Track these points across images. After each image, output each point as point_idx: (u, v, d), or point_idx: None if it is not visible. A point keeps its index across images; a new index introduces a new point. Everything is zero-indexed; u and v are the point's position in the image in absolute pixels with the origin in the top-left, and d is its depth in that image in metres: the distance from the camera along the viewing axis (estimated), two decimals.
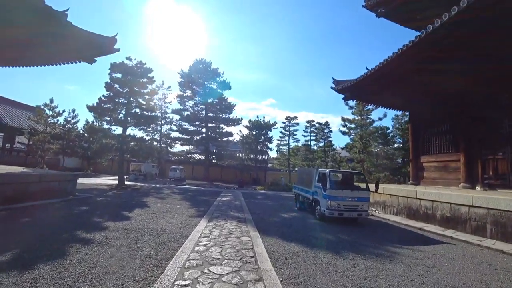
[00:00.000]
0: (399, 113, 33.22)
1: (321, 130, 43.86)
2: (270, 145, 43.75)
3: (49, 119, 34.37)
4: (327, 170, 11.52)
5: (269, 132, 42.24)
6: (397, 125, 35.45)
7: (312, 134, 45.18)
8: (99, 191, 17.83)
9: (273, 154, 52.89)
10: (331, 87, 18.29)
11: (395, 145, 34.67)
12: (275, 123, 42.39)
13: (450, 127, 15.68)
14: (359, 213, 11.02)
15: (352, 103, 31.62)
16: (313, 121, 45.03)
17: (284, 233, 8.33)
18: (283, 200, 19.70)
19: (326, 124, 43.82)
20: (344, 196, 10.84)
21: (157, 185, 26.97)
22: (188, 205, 13.68)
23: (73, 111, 36.73)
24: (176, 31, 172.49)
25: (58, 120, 35.70)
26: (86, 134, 34.52)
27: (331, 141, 43.86)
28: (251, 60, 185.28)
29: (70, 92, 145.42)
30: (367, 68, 14.61)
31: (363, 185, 11.83)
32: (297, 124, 46.29)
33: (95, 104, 22.51)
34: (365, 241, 8.06)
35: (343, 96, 18.95)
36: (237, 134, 42.43)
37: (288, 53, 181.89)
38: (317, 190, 11.91)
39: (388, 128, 33.56)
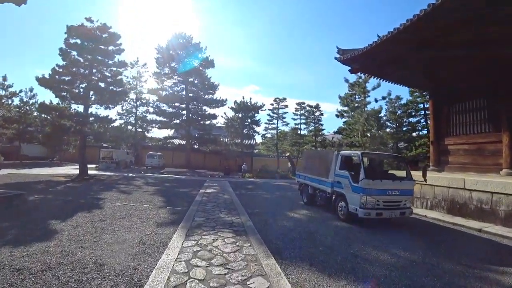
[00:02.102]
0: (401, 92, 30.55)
1: (312, 113, 40.82)
2: (257, 129, 40.36)
3: (3, 100, 29.53)
4: (358, 153, 8.34)
5: (256, 114, 38.74)
6: (390, 109, 32.88)
7: (302, 117, 42.07)
8: (47, 184, 13.94)
9: (258, 139, 49.69)
10: (335, 58, 15.01)
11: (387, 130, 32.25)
12: (263, 105, 38.75)
13: (487, 102, 12.78)
14: (402, 211, 7.97)
15: (352, 78, 28.60)
16: (303, 103, 41.69)
17: (313, 256, 5.06)
18: (280, 190, 16.57)
19: (317, 106, 40.72)
20: (384, 188, 7.74)
21: (130, 174, 23.13)
22: (161, 202, 10.16)
23: (31, 90, 31.82)
24: (155, 6, 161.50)
25: (13, 101, 30.91)
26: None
27: (322, 124, 41.08)
28: (233, 44, 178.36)
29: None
30: (378, 36, 11.61)
31: (401, 174, 8.77)
32: (286, 106, 42.94)
33: (48, 77, 18.06)
34: (446, 263, 4.99)
35: (349, 68, 15.88)
36: (222, 116, 38.57)
37: (272, 38, 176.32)
38: (340, 181, 8.75)
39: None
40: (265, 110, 40.45)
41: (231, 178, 25.06)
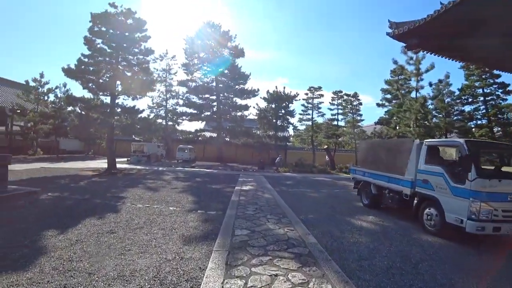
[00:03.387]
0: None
1: (349, 103, 37.39)
2: (291, 120, 37.84)
3: (41, 96, 29.89)
4: (461, 141, 5.89)
5: (290, 105, 36.21)
6: (438, 95, 28.57)
7: (339, 107, 38.75)
8: (72, 179, 12.79)
9: (291, 131, 47.05)
10: (387, 33, 12.19)
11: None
12: (297, 94, 36.06)
13: None
14: None
15: (402, 59, 25.13)
16: (340, 91, 38.27)
17: None
18: (325, 188, 14.29)
19: (355, 95, 37.17)
20: (504, 191, 5.29)
21: (160, 168, 21.96)
22: (190, 203, 8.35)
23: (65, 85, 31.88)
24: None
25: (49, 97, 31.20)
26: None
27: (361, 114, 37.54)
28: (260, 36, 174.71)
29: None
30: (441, 3, 8.72)
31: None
32: (322, 95, 39.60)
33: (74, 67, 17.05)
34: None
35: (405, 44, 13.04)
36: (254, 107, 36.43)
37: (300, 30, 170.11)
38: (427, 179, 6.37)
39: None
40: (299, 100, 37.80)
41: (265, 172, 23.06)
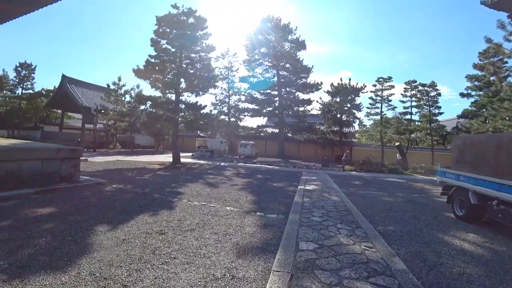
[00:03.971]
0: None
1: (425, 94, 32.78)
2: (357, 115, 34.91)
3: (119, 98, 33.17)
4: None
5: (356, 98, 33.39)
6: None
7: (412, 99, 34.34)
8: (138, 172, 13.33)
9: (355, 127, 43.56)
10: (481, 2, 9.71)
11: None
12: (364, 86, 33.08)
13: None
14: None
15: (497, 36, 20.66)
16: (414, 81, 33.78)
17: None
18: (399, 191, 12.29)
19: (433, 85, 32.43)
20: None
21: (222, 164, 22.08)
22: (249, 203, 7.61)
23: (138, 86, 34.81)
24: None
25: (125, 98, 34.38)
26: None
27: (439, 107, 32.59)
28: (321, 27, 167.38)
29: None
30: None
31: None
32: (392, 87, 35.49)
33: (142, 68, 18.03)
34: None
35: (508, 13, 10.30)
36: (317, 101, 34.60)
37: (364, 19, 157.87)
38: None
39: None
40: (366, 92, 34.56)
41: (330, 171, 21.43)
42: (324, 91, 33.16)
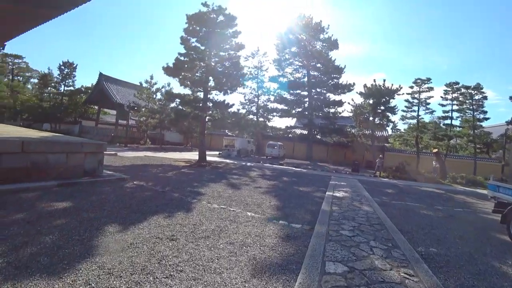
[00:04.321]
0: None
1: (469, 97, 30.12)
2: (392, 118, 32.90)
3: (151, 95, 34.08)
4: None
5: (391, 100, 31.45)
6: None
7: (454, 102, 31.72)
8: (163, 169, 13.29)
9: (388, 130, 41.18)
10: None
11: None
12: (399, 88, 30.97)
13: None
14: None
15: None
16: (456, 83, 31.17)
17: None
18: (438, 203, 11.12)
19: (478, 87, 29.69)
20: None
21: (248, 164, 21.72)
22: (272, 209, 7.06)
23: (168, 85, 35.56)
24: None
25: (156, 96, 35.26)
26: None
27: (485, 112, 29.78)
28: (354, 27, 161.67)
29: None
30: None
31: None
32: (431, 89, 32.93)
33: (171, 66, 18.11)
34: None
35: None
36: (348, 103, 33.14)
37: (401, 17, 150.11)
38: None
39: None
40: (402, 94, 32.42)
41: (360, 176, 20.28)
42: (357, 92, 31.60)
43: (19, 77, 42.28)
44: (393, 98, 31.16)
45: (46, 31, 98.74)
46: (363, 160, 31.32)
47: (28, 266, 3.10)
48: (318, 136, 34.18)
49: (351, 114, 32.99)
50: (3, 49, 18.99)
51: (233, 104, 19.12)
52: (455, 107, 30.99)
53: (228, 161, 22.72)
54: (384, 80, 30.53)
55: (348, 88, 32.06)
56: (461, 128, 31.05)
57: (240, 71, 19.66)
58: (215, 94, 19.64)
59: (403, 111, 33.39)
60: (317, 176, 16.91)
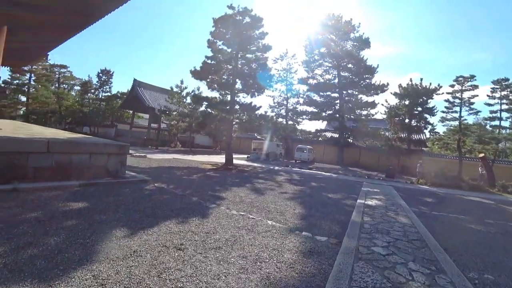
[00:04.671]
0: None
1: None
2: (430, 120, 30.46)
3: (181, 99, 34.87)
4: None
5: (429, 100, 29.11)
6: None
7: (503, 101, 28.65)
8: (188, 171, 13.18)
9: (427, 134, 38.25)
10: None
11: None
12: (439, 87, 28.45)
13: None
14: None
15: None
16: (506, 79, 28.07)
17: None
18: (488, 215, 9.78)
19: None
20: None
21: (276, 168, 21.18)
22: (295, 218, 6.47)
23: (198, 89, 36.07)
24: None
25: (186, 100, 35.96)
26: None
27: None
28: (386, 26, 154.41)
29: None
30: None
31: None
32: (475, 87, 29.87)
33: (199, 69, 18.17)
34: None
35: None
36: (382, 104, 31.33)
37: (436, 13, 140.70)
38: None
39: None
40: (441, 94, 29.82)
41: (395, 183, 18.89)
42: (391, 93, 29.74)
43: (64, 85, 45.68)
44: (432, 98, 28.85)
45: (86, 43, 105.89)
46: (398, 165, 29.36)
47: (23, 270, 2.92)
48: (349, 140, 32.74)
49: (384, 116, 31.15)
50: (47, 59, 20.17)
51: (260, 106, 18.74)
52: (504, 107, 28.01)
53: (255, 164, 22.34)
54: (421, 79, 28.24)
55: (381, 88, 30.39)
56: (511, 130, 28.09)
57: (268, 72, 19.26)
58: (242, 97, 19.42)
59: (443, 112, 30.75)
60: (347, 182, 15.95)
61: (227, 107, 18.16)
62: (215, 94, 20.34)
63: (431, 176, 24.03)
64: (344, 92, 31.58)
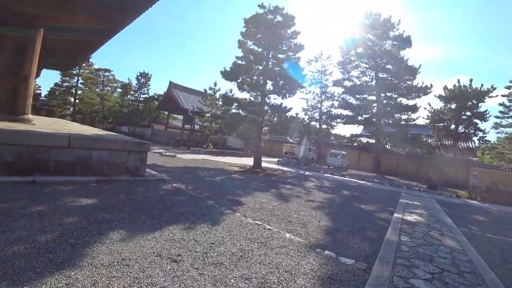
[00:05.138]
0: None
1: None
2: (481, 126, 27.40)
3: (214, 101, 35.24)
4: None
5: (480, 104, 26.12)
6: None
7: None
8: (213, 173, 12.86)
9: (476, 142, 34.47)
10: None
11: None
12: (492, 89, 25.36)
13: None
14: None
15: None
16: None
17: None
18: None
19: None
20: None
21: (306, 173, 20.24)
22: (319, 232, 5.65)
23: (230, 91, 36.18)
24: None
25: (219, 101, 36.21)
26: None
27: None
28: (428, 26, 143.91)
29: None
30: None
31: None
32: None
33: (229, 70, 17.89)
34: None
35: None
36: (425, 108, 28.81)
37: (484, 11, 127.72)
38: None
39: None
40: (495, 96, 26.56)
41: (438, 195, 17.04)
42: (435, 96, 27.21)
43: (107, 87, 48.94)
44: (483, 102, 25.89)
45: (128, 48, 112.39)
46: (441, 176, 26.79)
47: None
48: (387, 146, 30.66)
49: (427, 121, 28.68)
50: (89, 62, 21.27)
51: (291, 108, 17.99)
52: None
53: (285, 169, 21.58)
54: (471, 80, 25.44)
55: (424, 91, 27.95)
56: None
57: (300, 72, 18.49)
58: (273, 98, 18.83)
59: (497, 117, 27.68)
60: (384, 192, 14.62)
61: (257, 108, 17.69)
62: (245, 95, 20.08)
63: (481, 190, 21.61)
64: (382, 94, 29.63)
